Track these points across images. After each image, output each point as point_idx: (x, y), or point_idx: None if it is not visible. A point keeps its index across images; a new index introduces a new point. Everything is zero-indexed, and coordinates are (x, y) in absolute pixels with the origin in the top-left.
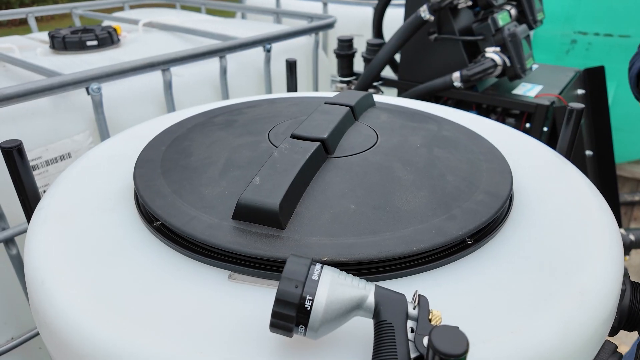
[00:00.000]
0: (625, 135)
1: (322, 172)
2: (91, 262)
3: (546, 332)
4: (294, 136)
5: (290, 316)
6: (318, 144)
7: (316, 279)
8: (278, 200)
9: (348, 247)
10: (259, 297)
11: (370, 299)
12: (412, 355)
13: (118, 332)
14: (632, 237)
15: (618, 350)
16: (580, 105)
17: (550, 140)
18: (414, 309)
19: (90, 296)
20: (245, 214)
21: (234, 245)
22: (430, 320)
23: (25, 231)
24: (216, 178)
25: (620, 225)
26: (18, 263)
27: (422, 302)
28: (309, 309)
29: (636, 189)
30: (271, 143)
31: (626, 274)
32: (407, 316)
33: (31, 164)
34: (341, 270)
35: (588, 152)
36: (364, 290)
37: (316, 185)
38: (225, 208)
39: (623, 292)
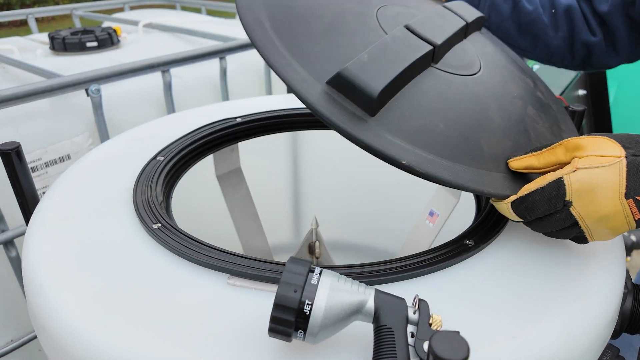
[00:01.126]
0: None
1: (422, 77)
2: (89, 266)
3: (548, 338)
4: (408, 28)
5: (289, 321)
6: (430, 47)
7: (315, 283)
8: (381, 87)
9: (426, 162)
10: (258, 301)
11: (370, 304)
12: None
13: (116, 338)
14: (633, 237)
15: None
16: (582, 107)
17: None
18: (414, 313)
19: (88, 301)
20: (343, 84)
21: (323, 109)
22: (430, 324)
23: (24, 233)
24: (319, 34)
25: None
26: (17, 265)
27: (422, 306)
28: (307, 313)
29: None
30: (379, 23)
31: (628, 277)
32: (407, 321)
33: (30, 165)
34: (341, 274)
35: None
36: (364, 294)
37: (414, 88)
38: (322, 69)
39: (625, 295)
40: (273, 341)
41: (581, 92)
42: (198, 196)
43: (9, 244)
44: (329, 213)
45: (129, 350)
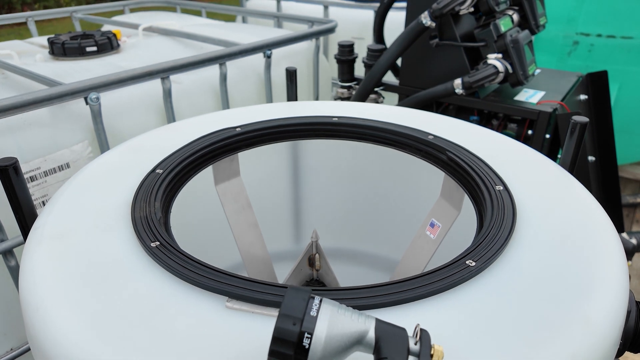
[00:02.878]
0: (627, 137)
1: None
2: (86, 289)
3: None
4: None
5: (288, 355)
6: None
7: (315, 315)
8: None
9: None
10: (257, 326)
11: (371, 334)
12: None
13: None
14: (634, 241)
15: None
16: (585, 119)
17: (552, 147)
18: (416, 344)
19: (85, 326)
20: None
21: None
22: (432, 356)
23: (23, 243)
24: None
25: (622, 229)
26: (16, 274)
27: (423, 337)
28: (307, 347)
29: (638, 191)
30: None
31: (631, 296)
32: (409, 352)
33: (29, 175)
34: (340, 299)
35: (590, 158)
36: (364, 325)
37: None
38: None
39: (628, 313)
40: None
41: (582, 97)
42: (196, 206)
43: (7, 253)
44: (329, 220)
45: None
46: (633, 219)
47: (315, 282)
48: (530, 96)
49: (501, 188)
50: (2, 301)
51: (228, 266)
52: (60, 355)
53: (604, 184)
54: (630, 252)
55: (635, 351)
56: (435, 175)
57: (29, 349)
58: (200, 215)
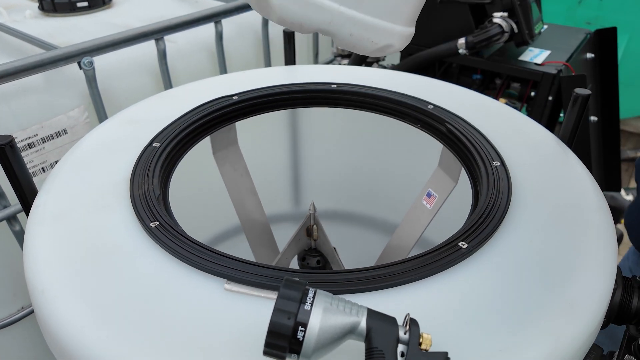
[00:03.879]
0: (632, 90)
1: None
2: (87, 270)
3: (535, 349)
4: None
5: (283, 347)
6: None
7: (308, 308)
8: None
9: None
10: (255, 308)
11: (362, 325)
12: None
13: (113, 348)
14: (630, 197)
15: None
16: (587, 92)
17: (554, 109)
18: (405, 333)
19: (88, 308)
20: None
21: None
22: (420, 344)
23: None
24: None
25: (620, 185)
26: (22, 238)
27: (412, 327)
28: (301, 339)
29: None
30: None
31: (618, 272)
32: (398, 341)
33: (27, 142)
34: (333, 282)
35: (592, 118)
36: (357, 316)
37: None
38: None
39: (614, 290)
40: None
41: (589, 55)
42: (194, 175)
43: (11, 219)
44: (328, 184)
45: (124, 358)
46: (632, 174)
47: (313, 250)
48: (535, 56)
49: (498, 164)
50: (9, 263)
51: (222, 232)
52: (67, 335)
53: (604, 140)
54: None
55: (619, 324)
56: (435, 145)
57: None
58: (197, 185)
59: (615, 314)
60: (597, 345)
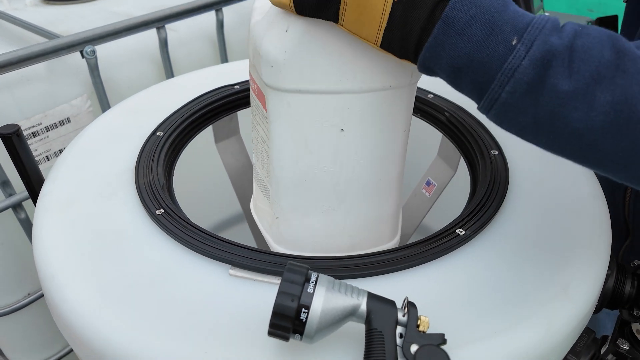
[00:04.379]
0: None
1: None
2: (96, 257)
3: (528, 332)
4: None
5: (287, 327)
6: None
7: (311, 291)
8: None
9: None
10: (258, 292)
11: (363, 308)
12: None
13: (121, 330)
14: None
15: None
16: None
17: None
18: (404, 316)
19: (96, 293)
20: None
21: None
22: (418, 326)
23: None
24: None
25: None
26: (27, 226)
27: (411, 310)
28: (304, 320)
29: None
30: None
31: (612, 258)
32: (397, 323)
33: (31, 130)
34: (333, 268)
35: None
36: (357, 299)
37: None
38: None
39: (608, 276)
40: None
41: None
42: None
43: (17, 207)
44: None
45: (132, 341)
46: None
47: None
48: None
49: (496, 153)
50: (15, 250)
51: (224, 220)
52: (77, 319)
53: None
54: None
55: (612, 308)
56: (434, 134)
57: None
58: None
59: (609, 299)
60: (589, 328)
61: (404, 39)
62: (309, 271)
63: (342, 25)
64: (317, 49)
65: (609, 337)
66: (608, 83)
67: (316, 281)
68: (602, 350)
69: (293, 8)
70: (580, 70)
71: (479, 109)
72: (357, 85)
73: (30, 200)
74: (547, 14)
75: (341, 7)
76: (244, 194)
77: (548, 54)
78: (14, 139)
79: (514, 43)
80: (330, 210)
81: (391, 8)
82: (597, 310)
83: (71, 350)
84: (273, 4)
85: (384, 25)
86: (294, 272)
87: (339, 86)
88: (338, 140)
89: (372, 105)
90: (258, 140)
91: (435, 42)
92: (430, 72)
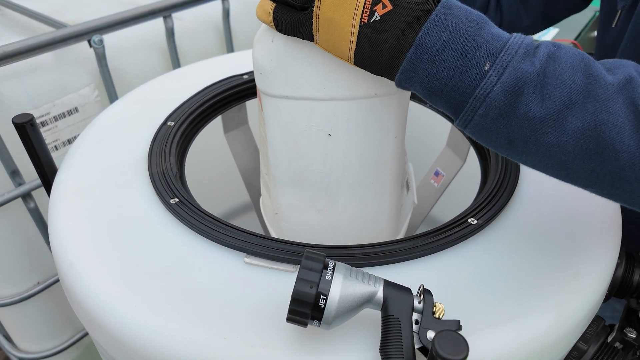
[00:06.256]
0: None
1: None
2: (112, 244)
3: (540, 318)
4: None
5: (306, 313)
6: None
7: (329, 279)
8: None
9: None
10: (273, 280)
11: (379, 295)
12: (416, 346)
13: (140, 315)
14: None
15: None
16: None
17: None
18: (420, 303)
19: (117, 279)
20: None
21: None
22: (434, 313)
23: (41, 186)
24: None
25: None
26: (37, 215)
27: (426, 296)
28: (322, 307)
29: None
30: None
31: (621, 247)
32: (413, 310)
33: (40, 120)
34: (350, 256)
35: None
36: (374, 286)
37: None
38: None
39: (617, 265)
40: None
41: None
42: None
43: (27, 196)
44: None
45: (152, 326)
46: None
47: None
48: (543, 34)
49: None
50: (25, 239)
51: (233, 209)
52: (95, 306)
53: None
54: None
55: (620, 297)
56: (443, 123)
57: (54, 282)
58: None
59: (617, 287)
60: (599, 316)
61: (375, 59)
62: (327, 259)
63: (318, 44)
64: (301, 59)
65: (616, 326)
66: (579, 109)
67: (334, 268)
68: (609, 339)
69: (274, 27)
70: (552, 96)
71: (455, 125)
72: (342, 92)
73: (38, 190)
74: None
75: (314, 28)
76: (252, 183)
77: (519, 82)
78: (28, 128)
79: (486, 68)
80: (324, 210)
81: (358, 30)
82: (607, 298)
83: (80, 339)
84: (259, 19)
85: (354, 46)
86: (312, 259)
87: (323, 93)
88: (326, 144)
89: (358, 112)
90: (261, 139)
91: (409, 67)
92: (407, 89)
